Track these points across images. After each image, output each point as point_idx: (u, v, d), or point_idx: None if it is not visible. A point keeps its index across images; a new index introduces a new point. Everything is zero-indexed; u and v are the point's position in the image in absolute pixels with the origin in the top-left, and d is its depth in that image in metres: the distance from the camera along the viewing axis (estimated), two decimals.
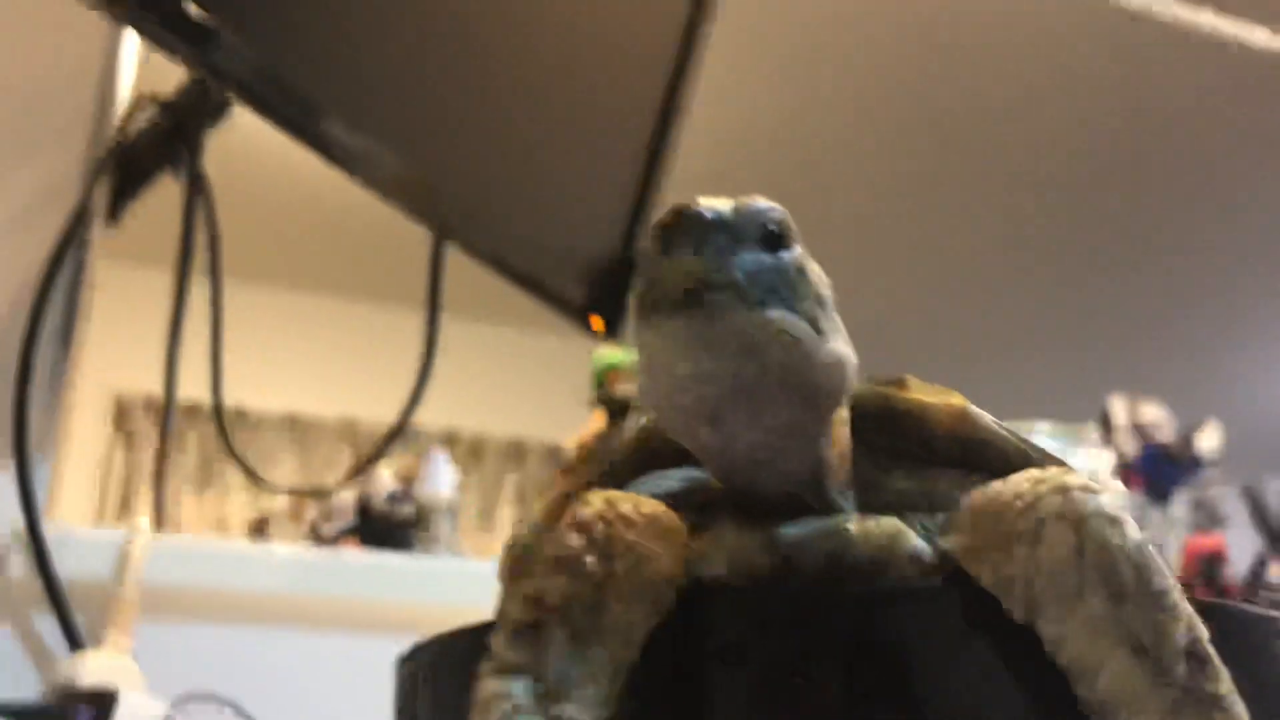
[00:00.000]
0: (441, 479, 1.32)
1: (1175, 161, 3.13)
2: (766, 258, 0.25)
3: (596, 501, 0.27)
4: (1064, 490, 0.25)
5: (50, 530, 1.03)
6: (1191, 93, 2.84)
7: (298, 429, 3.87)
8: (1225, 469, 1.74)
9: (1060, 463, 0.29)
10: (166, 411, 1.34)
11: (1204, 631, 0.23)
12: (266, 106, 0.98)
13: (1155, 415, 1.67)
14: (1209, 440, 1.65)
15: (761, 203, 0.26)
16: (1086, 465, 0.63)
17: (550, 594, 0.25)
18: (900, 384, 0.31)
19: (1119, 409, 1.67)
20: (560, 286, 1.28)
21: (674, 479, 0.31)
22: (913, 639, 0.24)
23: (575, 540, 0.26)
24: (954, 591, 0.25)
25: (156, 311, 1.18)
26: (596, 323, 1.29)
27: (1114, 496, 0.25)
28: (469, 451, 4.00)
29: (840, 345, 0.26)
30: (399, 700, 0.30)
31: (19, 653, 1.01)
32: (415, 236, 1.16)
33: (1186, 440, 1.65)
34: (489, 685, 0.24)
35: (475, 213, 1.16)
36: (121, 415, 3.63)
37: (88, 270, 1.17)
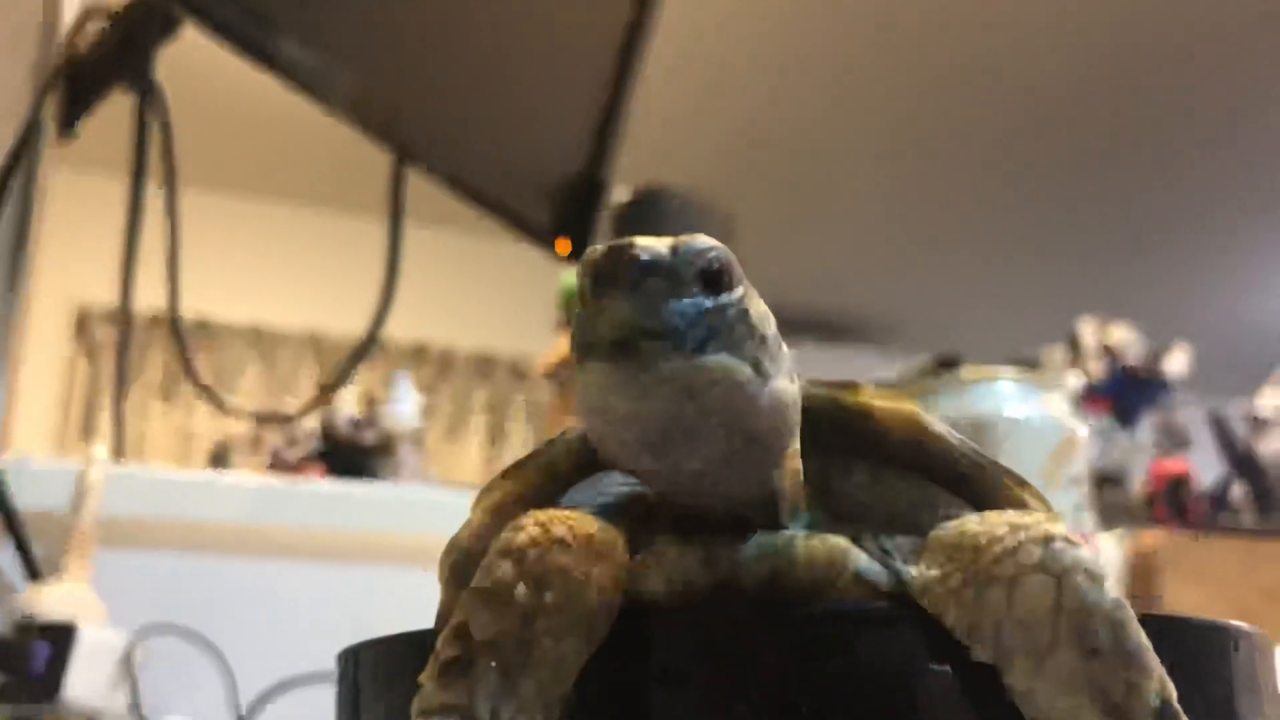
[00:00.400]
0: (405, 405, 1.30)
1: (1148, 81, 3.10)
2: (706, 301, 0.24)
3: (529, 525, 0.26)
4: (1046, 541, 0.24)
5: (6, 460, 1.01)
6: (1169, 11, 2.80)
7: (262, 341, 3.84)
8: (1192, 390, 1.75)
9: (1012, 475, 0.28)
10: (124, 329, 1.32)
11: (1173, 690, 0.23)
12: (217, 22, 0.95)
13: (1124, 337, 1.67)
14: (1177, 363, 1.65)
15: (702, 242, 0.24)
16: (1051, 411, 0.62)
17: (478, 629, 0.24)
18: (852, 389, 0.29)
19: (1088, 331, 1.66)
20: (525, 209, 1.26)
21: (617, 486, 0.30)
22: (862, 663, 0.23)
23: (506, 568, 0.25)
24: (907, 617, 0.24)
25: (118, 221, 1.15)
26: (563, 245, 1.27)
27: (1093, 555, 0.24)
28: (438, 365, 3.98)
29: (784, 384, 0.25)
30: (340, 696, 0.29)
31: None
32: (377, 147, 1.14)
33: (1154, 363, 1.65)
34: None
35: (436, 134, 1.13)
36: (83, 327, 3.59)
37: (41, 183, 1.14)
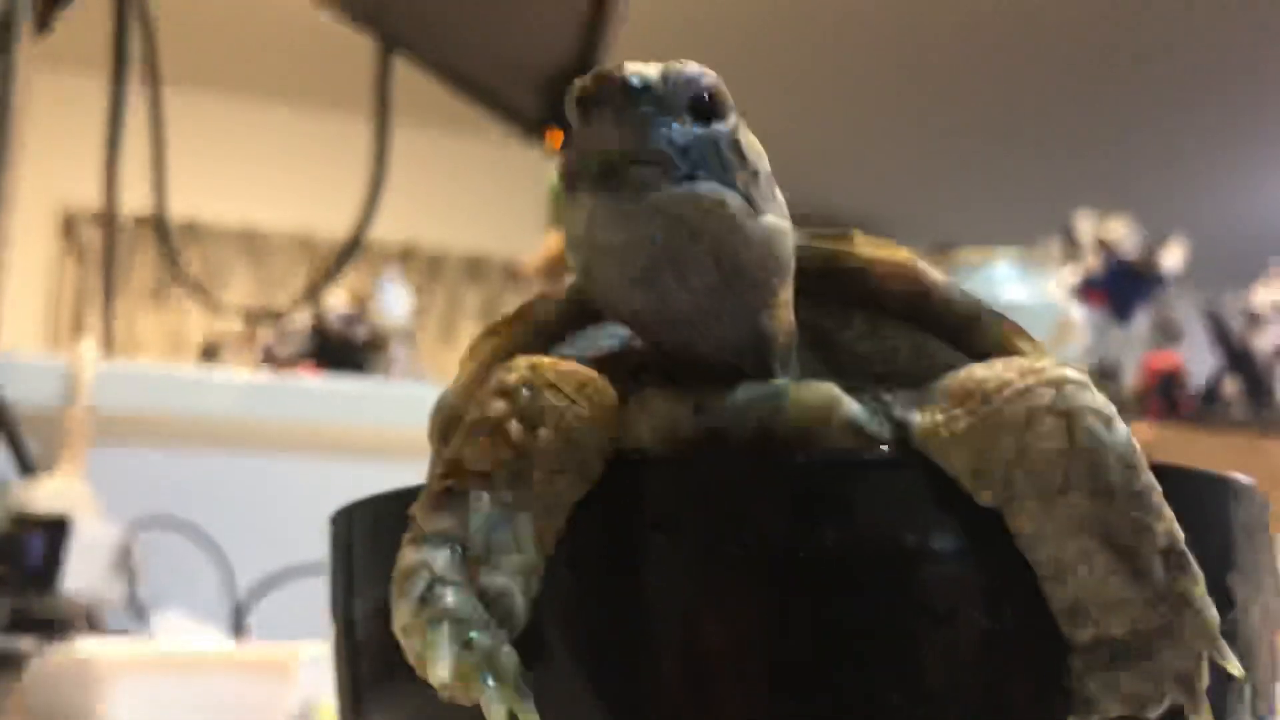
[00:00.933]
0: (394, 302, 1.30)
1: None
2: (697, 128, 0.23)
3: (521, 366, 0.26)
4: (1059, 384, 0.24)
5: None
6: None
7: (252, 243, 3.81)
8: (1188, 284, 1.74)
9: (1011, 324, 0.28)
10: (109, 231, 1.30)
11: (1181, 534, 0.22)
12: None
13: (1120, 231, 1.66)
14: (1173, 257, 1.64)
15: (693, 68, 0.23)
16: (1048, 292, 0.62)
17: (472, 460, 0.24)
18: (845, 239, 0.29)
19: (1084, 225, 1.65)
20: (515, 99, 1.23)
21: (607, 338, 0.29)
22: (859, 511, 0.23)
23: (498, 406, 0.24)
24: (904, 463, 0.24)
25: (102, 122, 1.13)
26: (554, 137, 1.25)
27: (1104, 396, 0.24)
28: (428, 267, 3.96)
29: (775, 219, 0.25)
30: (333, 560, 0.29)
31: None
32: (365, 39, 1.11)
33: (1150, 256, 1.65)
34: (409, 555, 0.23)
35: (423, 21, 1.10)
36: (70, 229, 3.56)
37: (19, 82, 1.12)
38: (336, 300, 1.29)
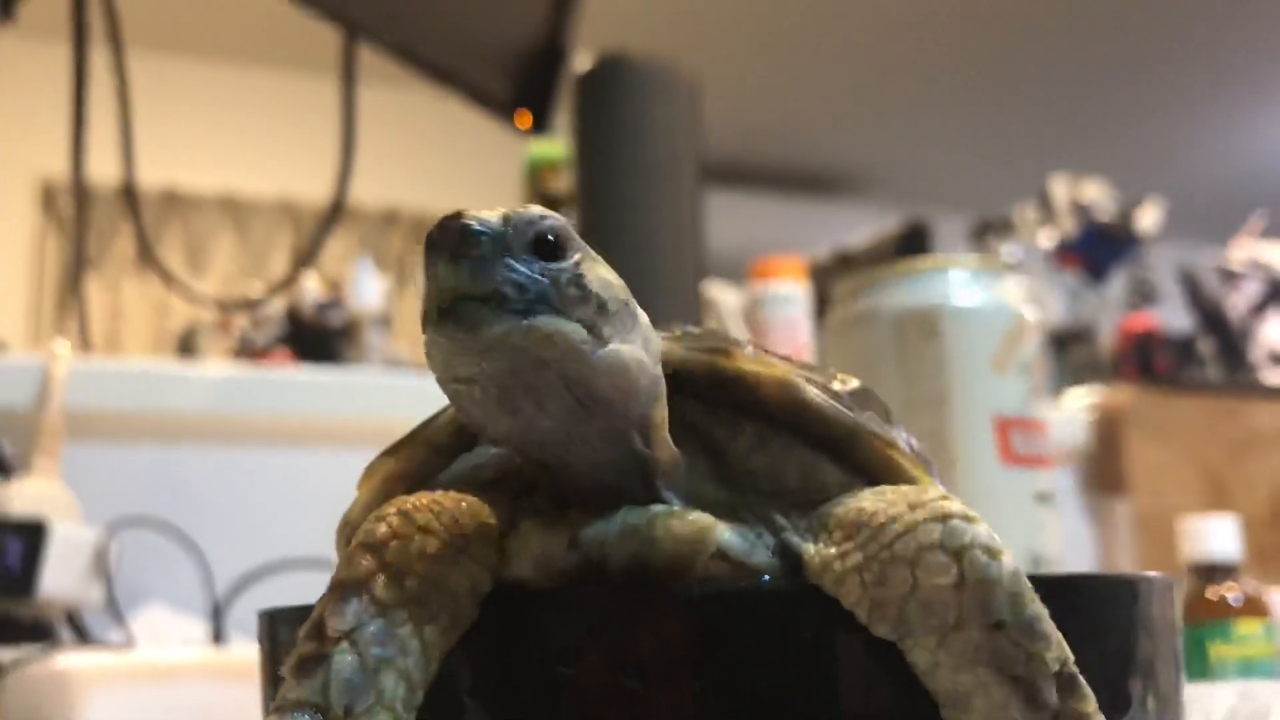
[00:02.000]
0: (369, 289, 1.30)
1: None
2: (536, 266, 0.24)
3: (391, 515, 0.26)
4: (943, 518, 0.25)
5: None
6: None
7: (235, 209, 3.79)
8: (1164, 242, 1.74)
9: (881, 438, 0.28)
10: (79, 202, 1.30)
11: (1070, 655, 0.23)
12: None
13: (1096, 194, 1.66)
14: (1149, 217, 1.64)
15: (535, 211, 0.25)
16: (1002, 297, 0.62)
17: (334, 624, 0.25)
18: (724, 353, 0.29)
19: (1059, 188, 1.65)
20: (484, 81, 1.23)
21: (499, 456, 0.30)
22: (754, 640, 0.23)
23: (366, 563, 0.25)
24: (792, 594, 0.24)
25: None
26: (523, 119, 1.25)
27: (987, 526, 0.25)
28: (411, 231, 3.95)
29: (625, 347, 0.25)
30: (261, 658, 0.30)
31: None
32: None
33: (1126, 218, 1.65)
34: None
35: (387, 6, 1.10)
36: (49, 200, 3.54)
37: None
38: (312, 287, 1.29)
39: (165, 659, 0.74)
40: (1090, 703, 0.23)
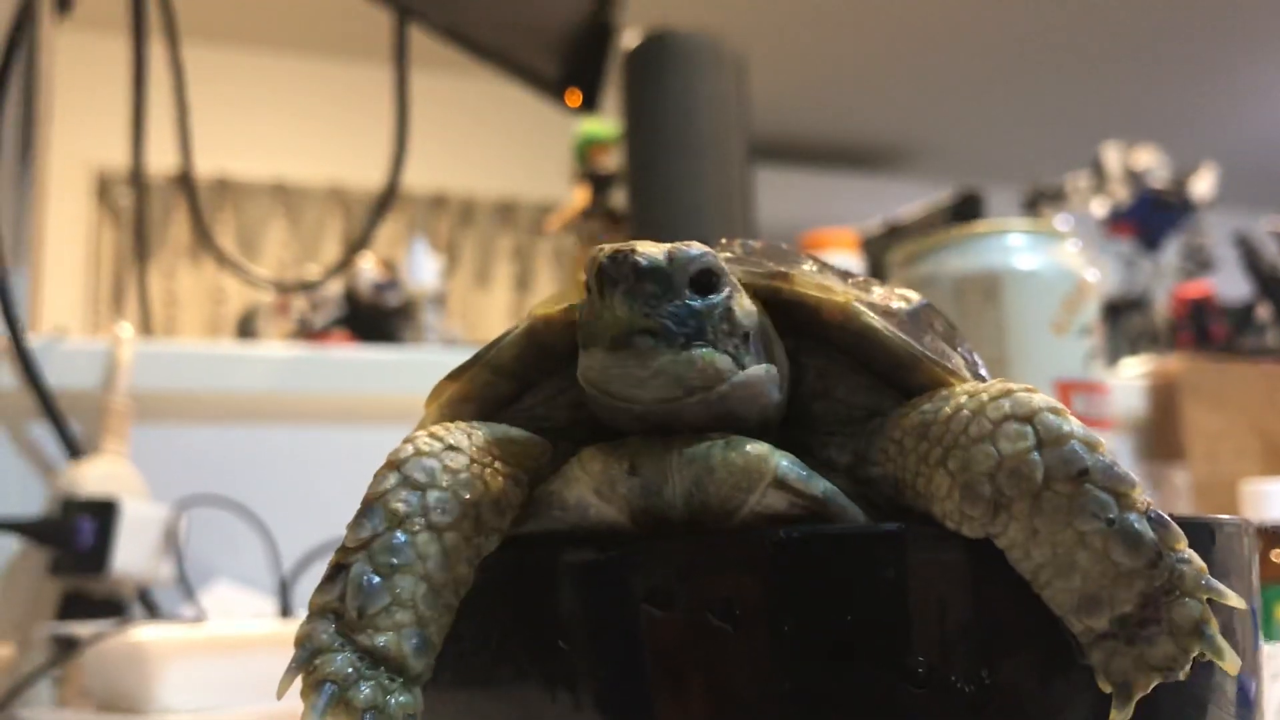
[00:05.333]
0: (424, 269, 1.31)
1: None
2: (694, 303, 0.26)
3: (420, 437, 0.29)
4: (1008, 394, 0.26)
5: (36, 341, 1.03)
6: None
7: (286, 196, 3.83)
8: (1219, 209, 1.72)
9: (941, 365, 0.29)
10: (139, 193, 1.32)
11: (1151, 499, 0.25)
12: None
13: (1149, 160, 1.64)
14: (1203, 184, 1.62)
15: (695, 248, 0.27)
16: (1062, 261, 0.62)
17: (352, 536, 0.27)
18: (785, 277, 0.30)
19: (1112, 156, 1.64)
20: (533, 61, 1.24)
21: (563, 405, 0.31)
22: (840, 580, 0.24)
23: (389, 479, 0.27)
24: (877, 535, 0.25)
25: (129, 81, 1.14)
26: (573, 97, 1.26)
27: (1051, 398, 0.26)
28: (459, 214, 3.97)
29: (763, 371, 0.28)
30: None
31: (21, 463, 1.02)
32: None
33: (1180, 185, 1.63)
34: (301, 629, 0.26)
35: None
36: (104, 191, 3.59)
37: (45, 45, 1.13)
38: (368, 268, 1.31)
39: (236, 632, 0.76)
40: (1182, 538, 0.24)
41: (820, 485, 0.27)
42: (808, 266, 0.32)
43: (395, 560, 0.26)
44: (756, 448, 0.27)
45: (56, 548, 0.90)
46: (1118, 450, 1.35)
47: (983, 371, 0.33)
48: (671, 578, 0.24)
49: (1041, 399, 0.26)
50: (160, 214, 3.56)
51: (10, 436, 1.02)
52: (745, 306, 0.28)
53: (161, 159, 1.23)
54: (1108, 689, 0.23)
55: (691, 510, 0.27)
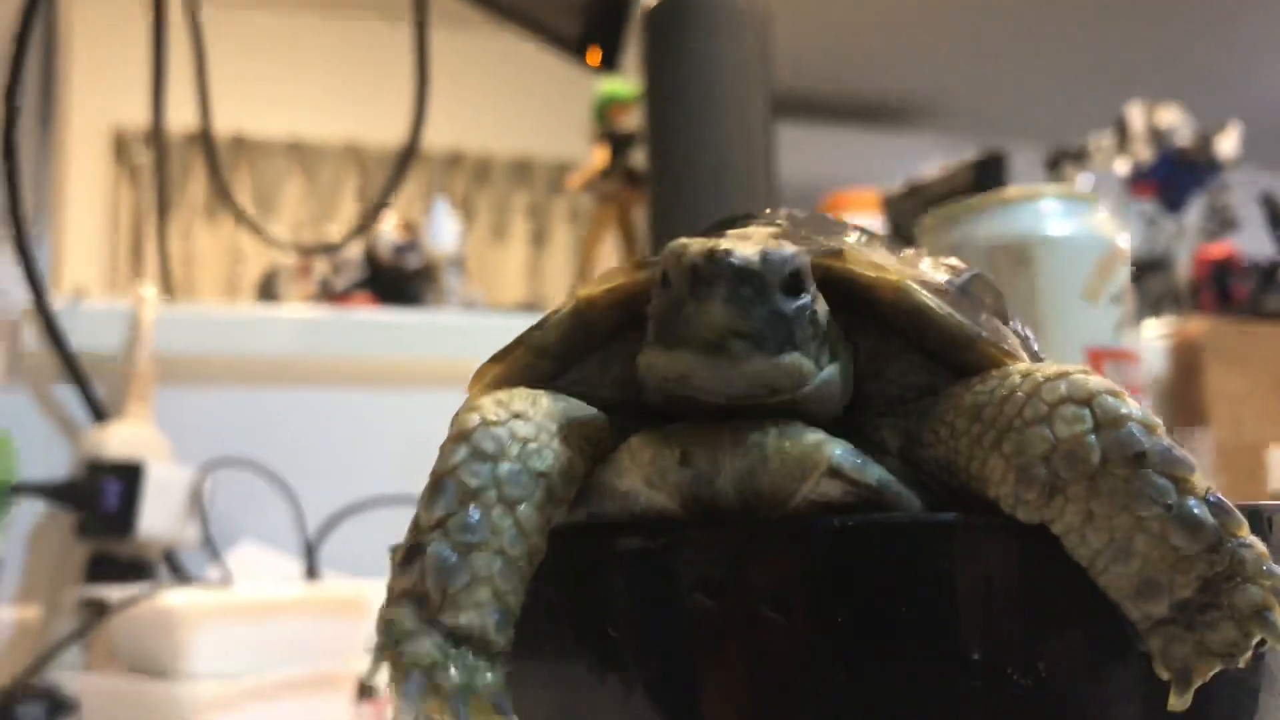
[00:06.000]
0: (444, 231, 1.30)
1: None
2: (784, 305, 0.26)
3: (485, 405, 0.28)
4: (1064, 376, 0.26)
5: (58, 304, 1.03)
6: None
7: (303, 155, 3.82)
8: (1243, 169, 1.70)
9: (997, 346, 0.28)
10: (158, 152, 1.32)
11: (1209, 482, 0.24)
12: None
13: (1173, 119, 1.62)
14: (1228, 144, 1.61)
15: (787, 250, 0.26)
16: (1094, 227, 0.61)
17: (426, 515, 0.26)
18: (837, 254, 0.30)
19: (1135, 115, 1.62)
20: (553, 19, 1.23)
21: (614, 380, 0.31)
22: (894, 571, 0.24)
23: (458, 454, 0.27)
24: (931, 526, 0.25)
25: (147, 39, 1.14)
26: (593, 56, 1.25)
27: (1108, 380, 0.26)
28: (475, 172, 3.96)
29: (834, 370, 0.28)
30: None
31: (46, 425, 1.03)
32: None
33: (1204, 143, 1.61)
34: (382, 615, 0.26)
35: None
36: (122, 149, 3.59)
37: (62, 15, 1.13)
38: (389, 230, 1.30)
39: (263, 596, 0.76)
40: (1244, 524, 0.24)
41: (875, 473, 0.26)
42: (854, 239, 0.32)
43: (472, 538, 0.25)
44: (811, 435, 0.26)
45: (82, 510, 0.91)
46: None
47: (1034, 344, 0.33)
48: (722, 567, 0.23)
49: (1099, 381, 0.25)
50: (177, 172, 3.55)
51: (36, 399, 1.03)
52: (822, 306, 0.28)
53: (179, 117, 1.23)
54: (1166, 676, 0.23)
55: (744, 499, 0.26)
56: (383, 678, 0.25)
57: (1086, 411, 0.25)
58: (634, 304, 0.30)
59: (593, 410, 0.29)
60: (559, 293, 3.26)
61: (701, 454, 0.27)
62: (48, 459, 1.00)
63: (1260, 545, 0.23)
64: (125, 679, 0.72)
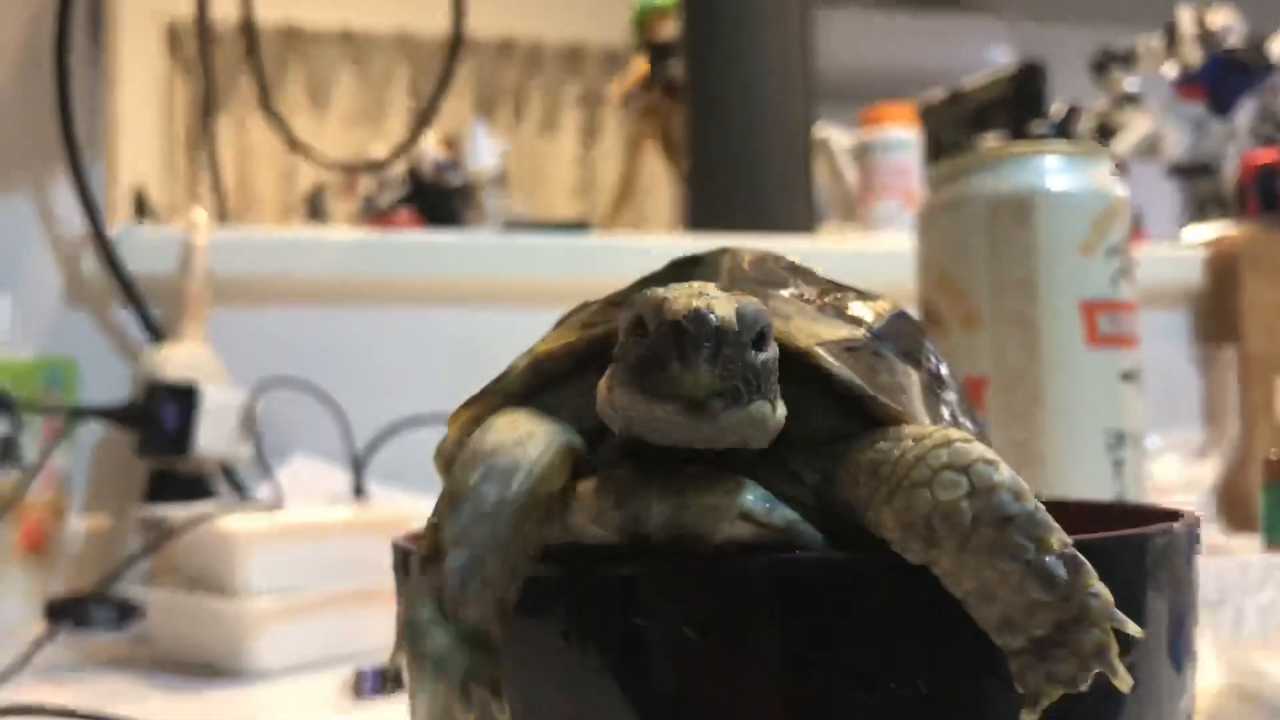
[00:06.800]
0: (484, 151, 1.33)
1: None
2: (757, 360, 0.28)
3: (499, 424, 0.31)
4: (948, 444, 0.29)
5: (115, 229, 1.07)
6: None
7: (354, 45, 3.83)
8: None
9: (887, 407, 0.32)
10: (204, 46, 1.34)
11: (1069, 539, 0.28)
12: None
13: (1225, 20, 1.60)
14: None
15: (754, 304, 0.29)
16: (1093, 181, 0.63)
17: (449, 527, 0.29)
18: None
19: (1186, 18, 1.59)
20: None
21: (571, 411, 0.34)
22: (808, 603, 0.28)
23: (476, 472, 0.30)
24: (843, 564, 0.28)
25: None
26: None
27: (983, 446, 0.29)
28: (526, 59, 3.94)
29: (780, 410, 0.30)
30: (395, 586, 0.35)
31: (108, 347, 1.08)
32: None
33: (1256, 45, 1.59)
34: (405, 611, 0.29)
35: None
36: (175, 42, 3.61)
37: None
38: (431, 147, 1.33)
39: (312, 518, 0.81)
40: (1093, 575, 0.27)
41: (781, 516, 0.30)
42: (789, 292, 0.35)
43: (484, 552, 0.29)
44: (726, 484, 0.30)
45: (142, 431, 0.96)
46: (1172, 324, 1.36)
47: (945, 374, 0.36)
48: (654, 592, 0.28)
49: (977, 450, 0.29)
50: (231, 64, 3.58)
51: (96, 322, 1.08)
52: (776, 351, 0.30)
53: (228, 8, 1.26)
54: (1023, 692, 0.27)
55: (672, 538, 0.30)
56: (368, 570, 0.29)
57: (964, 479, 0.28)
58: (586, 355, 0.34)
59: (575, 434, 0.32)
60: (608, 192, 3.24)
61: (632, 499, 0.30)
62: (110, 379, 1.06)
63: (1107, 595, 0.27)
64: (185, 593, 0.77)
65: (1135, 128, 1.59)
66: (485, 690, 0.29)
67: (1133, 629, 0.27)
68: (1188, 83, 1.59)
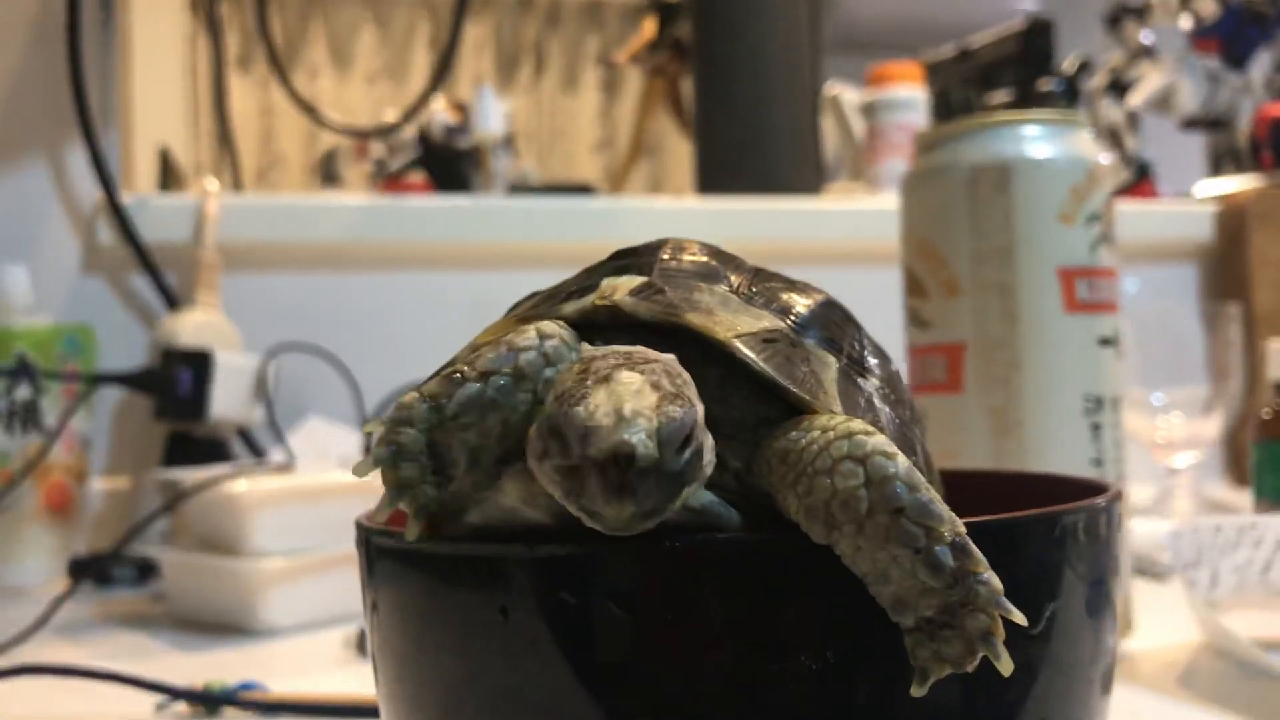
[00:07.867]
0: (491, 115, 1.34)
1: None
2: (678, 465, 0.29)
3: (546, 326, 0.33)
4: (849, 436, 0.31)
5: (129, 199, 1.09)
6: None
7: (375, 3, 3.83)
8: None
9: (804, 402, 0.33)
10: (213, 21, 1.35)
11: (963, 527, 0.29)
12: None
13: None
14: None
15: (677, 411, 0.29)
16: (1075, 149, 0.64)
17: (483, 361, 0.32)
18: (676, 312, 0.34)
19: None
20: None
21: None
22: (719, 582, 0.30)
23: (529, 338, 0.33)
24: (756, 544, 0.30)
25: None
26: None
27: (883, 437, 0.31)
28: (546, 15, 3.93)
29: (708, 457, 0.31)
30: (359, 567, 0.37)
31: (124, 313, 1.11)
32: None
33: None
34: (406, 397, 0.32)
35: None
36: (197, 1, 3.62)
37: None
38: (440, 110, 1.34)
39: (320, 481, 0.84)
40: (981, 563, 0.29)
41: (701, 499, 0.32)
42: (721, 286, 0.36)
43: (500, 398, 0.31)
44: None
45: (159, 396, 0.99)
46: (1181, 279, 1.36)
47: (871, 362, 0.37)
48: (581, 569, 0.30)
49: (877, 442, 0.30)
50: (253, 21, 3.59)
51: (112, 289, 1.10)
52: (708, 442, 0.31)
53: None
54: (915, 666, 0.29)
55: None
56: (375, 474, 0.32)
57: (860, 469, 0.30)
58: None
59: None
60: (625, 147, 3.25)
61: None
62: (127, 344, 1.08)
63: (995, 582, 0.29)
64: (199, 553, 0.80)
65: (1149, 81, 1.59)
66: (417, 512, 0.32)
67: (1017, 617, 0.29)
68: (1202, 35, 1.58)
